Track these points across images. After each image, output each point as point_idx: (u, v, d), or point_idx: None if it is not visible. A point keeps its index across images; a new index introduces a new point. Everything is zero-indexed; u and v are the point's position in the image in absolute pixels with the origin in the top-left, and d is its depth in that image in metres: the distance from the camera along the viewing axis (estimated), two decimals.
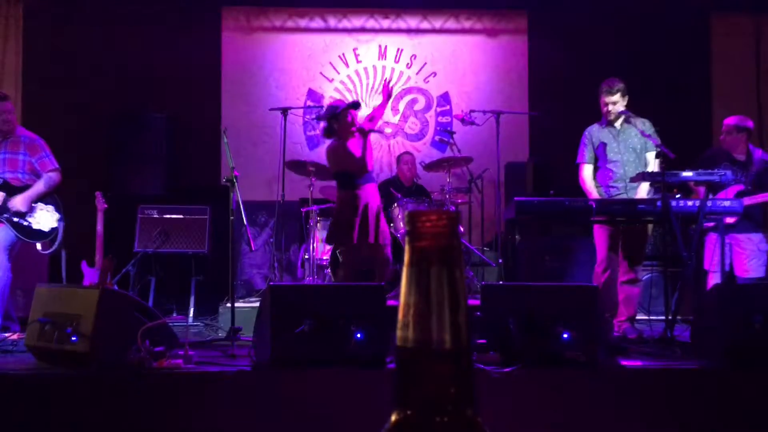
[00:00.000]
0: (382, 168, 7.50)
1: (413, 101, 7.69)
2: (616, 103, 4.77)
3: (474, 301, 3.80)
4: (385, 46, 7.71)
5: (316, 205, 5.90)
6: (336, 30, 7.72)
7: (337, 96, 7.53)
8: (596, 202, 4.48)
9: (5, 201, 4.79)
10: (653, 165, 4.74)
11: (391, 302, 3.67)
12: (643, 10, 7.32)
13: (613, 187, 4.82)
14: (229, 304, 4.55)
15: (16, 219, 4.79)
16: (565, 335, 3.35)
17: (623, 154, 4.81)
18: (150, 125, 6.93)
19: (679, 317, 4.51)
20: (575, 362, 3.43)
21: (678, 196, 4.42)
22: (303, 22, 7.70)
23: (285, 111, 5.71)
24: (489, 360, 3.37)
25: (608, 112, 4.81)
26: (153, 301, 5.93)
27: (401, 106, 7.64)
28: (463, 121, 6.27)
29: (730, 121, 5.26)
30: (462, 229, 6.44)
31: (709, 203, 4.33)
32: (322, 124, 5.10)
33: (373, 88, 7.65)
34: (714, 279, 5.02)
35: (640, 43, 7.33)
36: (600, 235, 4.79)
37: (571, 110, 6.40)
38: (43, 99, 7.10)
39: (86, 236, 5.58)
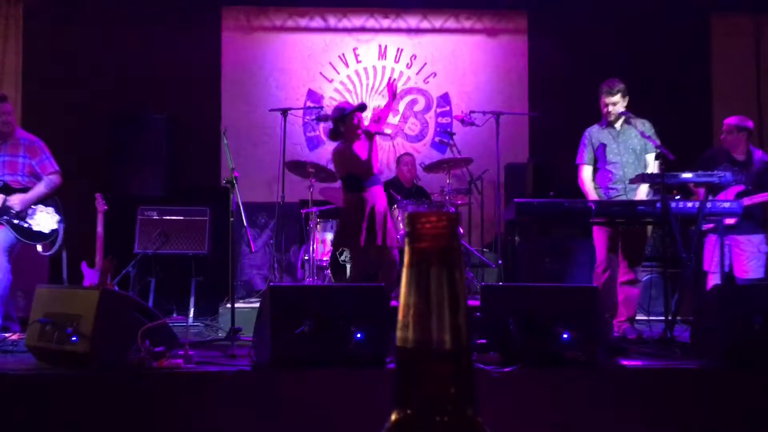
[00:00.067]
0: (382, 169, 7.50)
1: (413, 102, 7.69)
2: (616, 103, 4.77)
3: (474, 302, 3.80)
4: (385, 46, 7.72)
5: (316, 207, 5.90)
6: (336, 30, 7.72)
7: (337, 96, 7.54)
8: (596, 203, 4.48)
9: (5, 202, 4.79)
10: (653, 166, 4.74)
11: (394, 303, 3.67)
12: (643, 10, 7.32)
13: (612, 188, 4.82)
14: (229, 305, 4.55)
15: (16, 221, 4.79)
16: (565, 335, 3.36)
17: (623, 155, 4.81)
18: (150, 125, 6.93)
19: (678, 318, 4.51)
20: (575, 362, 3.44)
21: (678, 197, 4.43)
22: (303, 22, 7.70)
23: (285, 111, 5.71)
24: (489, 360, 3.37)
25: (608, 113, 4.81)
26: (153, 302, 5.93)
27: (401, 106, 7.64)
28: (462, 122, 6.27)
29: (731, 120, 5.27)
30: (462, 230, 6.45)
31: (708, 204, 4.33)
32: (328, 126, 5.10)
33: (373, 88, 7.66)
34: (714, 280, 5.02)
35: (640, 43, 7.33)
36: (599, 236, 4.79)
37: (571, 110, 6.41)
38: (43, 99, 7.10)
39: (86, 237, 5.58)
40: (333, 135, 5.01)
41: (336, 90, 7.62)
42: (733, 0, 7.51)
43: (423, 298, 0.67)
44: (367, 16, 7.72)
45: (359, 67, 7.69)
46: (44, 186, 4.92)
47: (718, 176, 4.32)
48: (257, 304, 4.05)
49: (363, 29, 7.72)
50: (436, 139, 7.58)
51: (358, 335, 3.28)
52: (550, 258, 6.21)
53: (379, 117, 5.18)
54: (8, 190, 4.85)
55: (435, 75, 7.70)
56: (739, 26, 7.64)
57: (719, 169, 4.86)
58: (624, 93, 4.79)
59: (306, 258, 5.94)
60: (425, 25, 7.74)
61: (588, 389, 3.30)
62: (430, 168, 6.54)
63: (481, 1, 7.71)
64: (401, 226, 5.57)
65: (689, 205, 4.36)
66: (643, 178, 4.49)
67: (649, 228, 4.89)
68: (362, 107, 4.98)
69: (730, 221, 4.81)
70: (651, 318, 5.40)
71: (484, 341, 3.45)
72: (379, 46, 7.71)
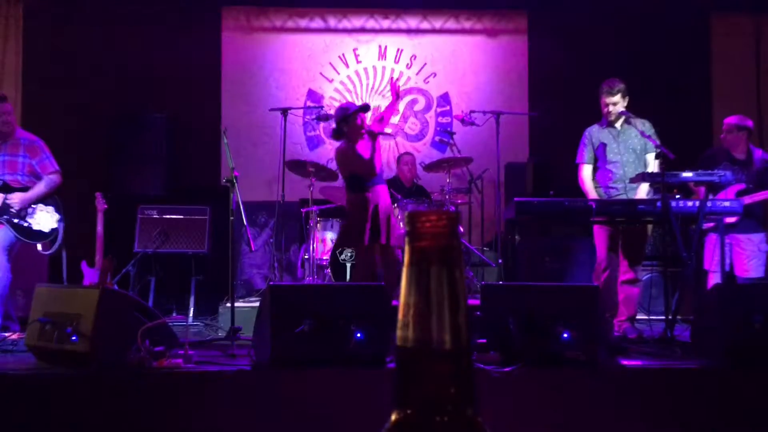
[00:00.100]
0: (383, 169, 7.50)
1: (413, 102, 7.69)
2: (616, 103, 4.77)
3: (474, 301, 3.80)
4: (385, 47, 7.71)
5: (316, 206, 5.90)
6: (336, 30, 7.72)
7: (337, 96, 7.54)
8: (596, 202, 4.48)
9: (4, 201, 4.79)
10: (653, 166, 4.74)
11: (396, 302, 3.67)
12: (643, 10, 7.31)
13: (612, 187, 4.82)
14: (228, 304, 4.55)
15: (16, 220, 4.79)
16: (565, 335, 3.35)
17: (623, 154, 4.81)
18: (150, 125, 6.93)
19: (679, 317, 4.51)
20: (575, 362, 3.43)
21: (678, 196, 4.43)
22: (303, 22, 7.70)
23: (285, 111, 5.71)
24: (489, 360, 3.37)
25: (609, 112, 4.81)
26: (153, 301, 5.93)
27: (401, 106, 7.63)
28: (463, 121, 6.26)
29: (731, 119, 5.27)
30: (462, 229, 6.45)
31: (708, 203, 4.33)
32: (329, 125, 5.11)
33: (373, 88, 7.66)
34: (714, 279, 5.02)
35: (640, 43, 7.33)
36: (600, 235, 4.79)
37: (571, 110, 6.41)
38: (43, 99, 7.09)
39: (86, 236, 5.58)
40: (336, 135, 5.02)
41: (336, 90, 7.62)
42: (733, 0, 7.51)
43: (423, 298, 0.67)
44: (367, 16, 7.72)
45: (359, 67, 7.69)
46: (44, 185, 4.92)
47: (719, 175, 4.32)
48: (257, 304, 4.05)
49: (363, 30, 7.72)
50: (437, 138, 7.58)
51: (358, 335, 3.28)
52: (550, 257, 6.21)
53: (383, 117, 5.19)
54: (8, 190, 4.85)
55: (435, 75, 7.70)
56: (739, 26, 7.64)
57: (719, 169, 4.86)
58: (624, 93, 4.79)
59: (306, 257, 5.94)
60: (425, 25, 7.73)
61: (588, 389, 3.29)
62: (431, 167, 6.54)
63: (481, 2, 7.71)
64: (401, 225, 5.57)
65: (689, 204, 4.36)
66: (643, 177, 4.49)
67: (650, 227, 4.89)
68: (365, 108, 4.98)
69: (730, 220, 4.81)
70: (651, 317, 5.39)
71: (484, 341, 3.44)
72: (379, 46, 7.71)
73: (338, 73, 7.66)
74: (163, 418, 3.15)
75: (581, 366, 3.42)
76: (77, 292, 3.61)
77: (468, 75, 7.72)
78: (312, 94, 7.59)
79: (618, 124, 4.85)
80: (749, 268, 5.14)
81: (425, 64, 7.69)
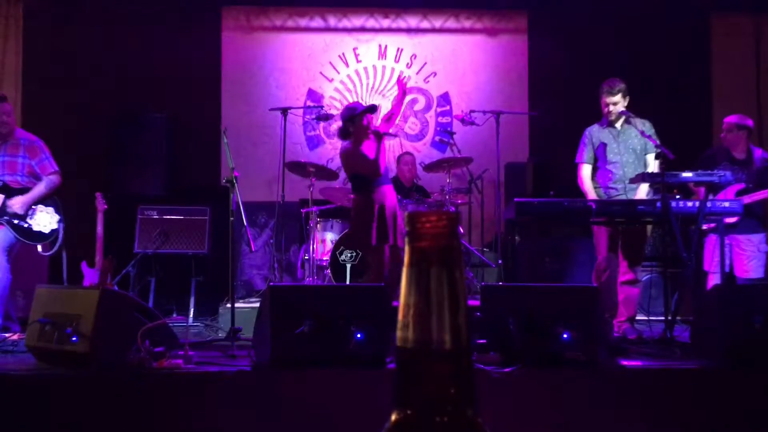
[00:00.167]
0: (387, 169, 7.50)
1: (413, 101, 7.69)
2: (616, 103, 4.77)
3: (474, 302, 3.79)
4: (385, 46, 7.71)
5: (316, 206, 5.90)
6: (336, 29, 7.72)
7: (338, 96, 7.54)
8: (596, 202, 4.48)
9: (4, 202, 4.79)
10: (653, 166, 4.74)
11: (396, 303, 3.67)
12: (643, 10, 7.31)
13: (612, 188, 4.82)
14: (229, 305, 4.55)
15: (15, 221, 4.79)
16: (565, 336, 3.35)
17: (623, 155, 4.81)
18: (150, 125, 6.93)
19: (678, 318, 4.51)
20: (575, 362, 3.43)
21: (678, 196, 4.42)
22: (303, 22, 7.70)
23: (285, 111, 5.71)
24: (489, 360, 3.37)
25: (609, 112, 4.81)
26: (153, 302, 5.92)
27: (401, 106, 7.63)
28: (463, 121, 6.27)
29: (731, 119, 5.27)
30: (462, 229, 6.45)
31: (708, 204, 4.32)
32: (332, 125, 5.12)
33: (373, 87, 7.66)
34: (714, 280, 5.02)
35: (640, 43, 7.33)
36: (600, 235, 4.79)
37: (571, 110, 6.41)
38: (43, 99, 7.09)
39: (86, 237, 5.58)
40: (342, 134, 5.05)
41: (336, 89, 7.62)
42: (733, 0, 7.51)
43: (423, 298, 0.67)
44: (367, 16, 7.72)
45: (359, 66, 7.69)
46: (44, 186, 4.92)
47: (718, 175, 4.32)
48: (257, 304, 4.05)
49: (363, 29, 7.72)
50: (436, 138, 7.58)
51: (358, 335, 3.28)
52: (550, 258, 6.21)
53: (391, 114, 5.21)
54: (8, 191, 4.85)
55: (435, 75, 7.70)
56: (739, 26, 7.64)
57: (719, 168, 4.86)
58: (624, 93, 4.79)
59: (306, 257, 5.94)
60: (425, 24, 7.73)
61: (588, 389, 3.29)
62: (430, 167, 6.54)
63: (481, 1, 7.71)
64: (401, 225, 5.57)
65: (689, 204, 4.36)
66: (643, 177, 4.49)
67: (649, 227, 4.89)
68: (372, 109, 5.00)
69: (730, 220, 4.81)
70: (651, 318, 5.40)
71: (484, 341, 3.44)
72: (379, 45, 7.71)
73: (338, 73, 7.66)
74: (164, 418, 3.15)
75: (581, 366, 3.42)
76: (77, 293, 3.61)
77: (468, 74, 7.72)
78: (312, 94, 7.59)
79: (618, 124, 4.85)
80: (749, 269, 5.14)
81: (425, 63, 7.70)
